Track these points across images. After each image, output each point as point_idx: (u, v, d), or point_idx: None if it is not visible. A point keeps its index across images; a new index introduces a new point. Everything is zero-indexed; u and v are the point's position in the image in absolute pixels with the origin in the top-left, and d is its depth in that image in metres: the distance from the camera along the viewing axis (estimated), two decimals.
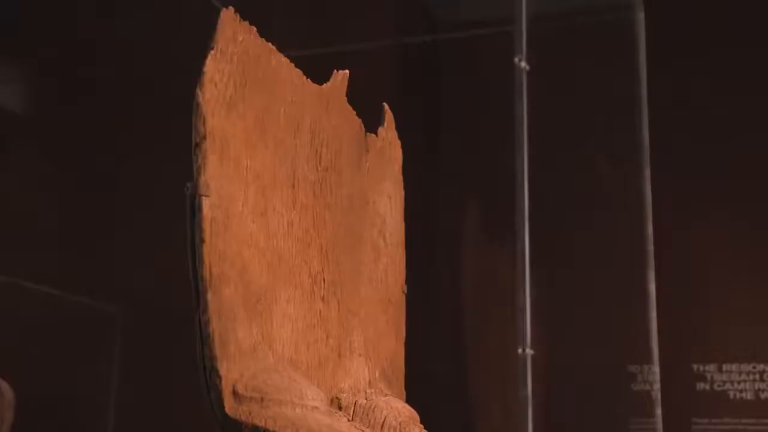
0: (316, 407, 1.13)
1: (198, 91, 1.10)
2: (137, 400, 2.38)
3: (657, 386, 2.30)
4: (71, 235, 2.46)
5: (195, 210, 1.07)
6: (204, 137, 1.08)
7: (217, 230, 1.08)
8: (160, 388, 2.30)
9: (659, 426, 2.28)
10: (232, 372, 1.08)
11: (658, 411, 2.28)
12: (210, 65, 1.11)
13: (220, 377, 1.06)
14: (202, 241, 1.06)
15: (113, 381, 2.43)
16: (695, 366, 2.42)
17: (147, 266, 2.32)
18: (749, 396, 2.37)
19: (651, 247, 2.30)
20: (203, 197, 1.07)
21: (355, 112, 1.44)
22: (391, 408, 1.28)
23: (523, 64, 2.26)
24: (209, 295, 1.06)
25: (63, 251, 2.44)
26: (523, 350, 2.16)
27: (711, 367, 2.41)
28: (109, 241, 2.44)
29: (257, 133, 1.18)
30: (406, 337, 1.49)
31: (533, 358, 2.15)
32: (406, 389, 1.48)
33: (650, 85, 2.34)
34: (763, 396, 2.36)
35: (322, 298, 1.28)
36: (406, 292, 1.52)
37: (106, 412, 2.41)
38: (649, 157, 2.33)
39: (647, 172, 2.32)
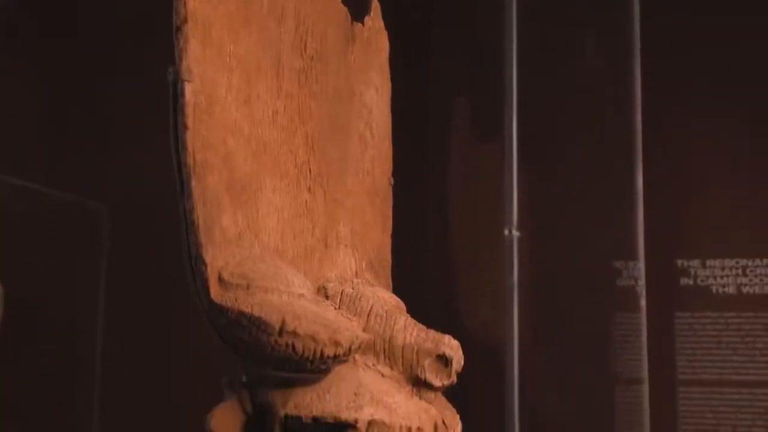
0: (303, 295, 1.13)
1: None
2: (125, 295, 2.39)
3: (642, 281, 2.32)
4: (56, 130, 2.44)
5: (177, 95, 1.05)
6: (185, 20, 1.05)
7: (201, 116, 1.06)
8: (148, 284, 2.31)
9: (643, 320, 2.31)
10: (217, 259, 1.08)
11: (643, 305, 2.31)
12: None
13: (205, 264, 1.07)
14: (185, 127, 1.05)
15: (101, 276, 2.44)
16: (679, 261, 2.45)
17: (133, 161, 2.30)
18: (731, 290, 2.40)
19: (639, 142, 2.29)
20: (185, 82, 1.05)
21: (340, 0, 1.40)
22: (378, 297, 1.29)
23: None
24: (193, 182, 1.05)
25: (48, 147, 2.41)
26: (510, 232, 2.16)
27: (695, 263, 2.43)
28: (95, 136, 2.42)
29: (240, 18, 1.15)
30: (393, 229, 1.49)
31: (519, 240, 2.15)
32: (392, 281, 1.48)
33: None
34: (744, 290, 2.39)
35: (308, 188, 1.27)
36: (392, 183, 1.51)
37: (95, 307, 2.43)
38: (639, 51, 2.30)
39: (637, 68, 2.30)
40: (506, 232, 2.16)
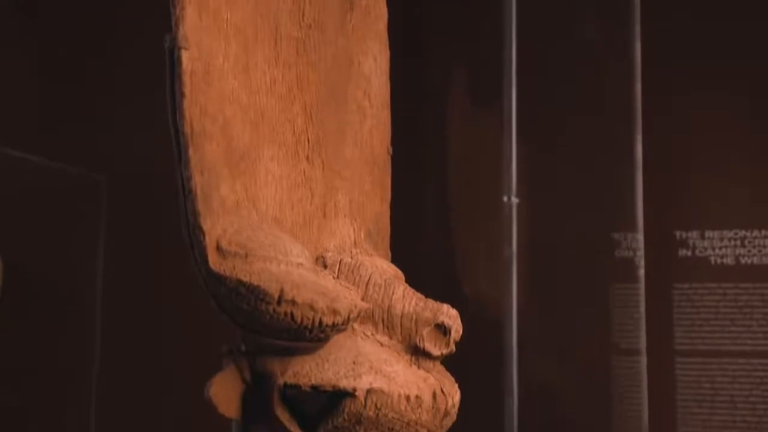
0: (301, 264, 1.13)
1: None
2: (124, 266, 2.40)
3: (640, 252, 2.33)
4: (55, 102, 2.43)
5: (174, 63, 1.05)
6: None
7: (198, 84, 1.05)
8: (147, 254, 2.32)
9: (641, 291, 2.32)
10: (215, 228, 1.07)
11: (641, 276, 2.31)
12: None
13: (203, 233, 1.06)
14: (183, 95, 1.05)
15: (100, 247, 2.44)
16: (678, 233, 2.44)
17: (132, 132, 2.30)
18: (730, 261, 2.40)
19: (639, 112, 2.28)
20: (182, 50, 1.04)
21: None
22: (376, 267, 1.29)
23: None
24: (191, 151, 1.05)
25: (47, 119, 2.41)
26: (509, 198, 2.16)
27: (693, 234, 2.43)
28: (93, 107, 2.41)
29: None
30: (392, 198, 1.49)
31: (518, 208, 2.15)
32: (391, 250, 1.48)
33: None
34: (743, 261, 2.40)
35: (307, 158, 1.27)
36: (391, 153, 1.51)
37: (94, 279, 2.43)
38: (639, 21, 2.28)
39: (638, 37, 2.28)
40: (505, 198, 2.15)
